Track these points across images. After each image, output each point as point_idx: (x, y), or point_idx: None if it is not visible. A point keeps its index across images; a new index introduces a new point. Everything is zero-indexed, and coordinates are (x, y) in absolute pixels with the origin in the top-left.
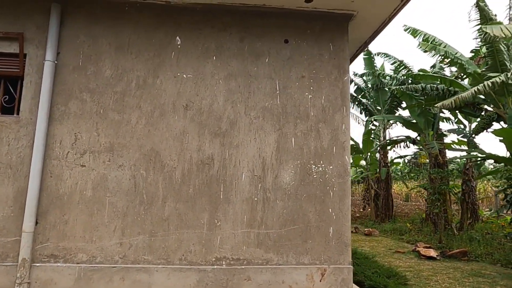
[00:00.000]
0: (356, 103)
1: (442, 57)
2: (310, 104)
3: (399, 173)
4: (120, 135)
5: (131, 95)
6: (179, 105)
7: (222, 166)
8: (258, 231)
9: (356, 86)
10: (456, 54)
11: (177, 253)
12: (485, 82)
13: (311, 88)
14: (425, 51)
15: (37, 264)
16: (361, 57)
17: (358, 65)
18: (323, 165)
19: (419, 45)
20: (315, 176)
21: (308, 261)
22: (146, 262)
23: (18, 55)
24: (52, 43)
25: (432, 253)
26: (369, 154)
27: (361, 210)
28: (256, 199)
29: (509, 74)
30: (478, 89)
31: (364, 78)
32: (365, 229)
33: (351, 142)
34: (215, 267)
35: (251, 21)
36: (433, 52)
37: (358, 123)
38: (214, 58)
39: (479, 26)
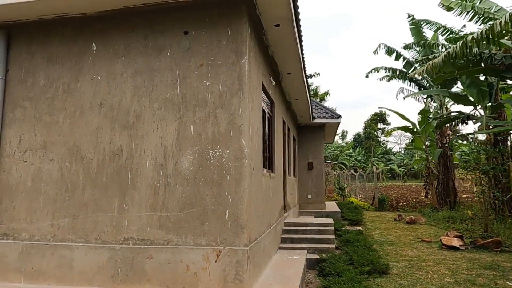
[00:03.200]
0: (407, 79)
1: (472, 13)
2: (208, 91)
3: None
4: (51, 134)
5: (58, 99)
6: (95, 104)
7: (129, 156)
8: (160, 214)
9: (405, 61)
10: (492, 8)
11: (93, 233)
12: None
13: (209, 75)
14: (449, 9)
15: None
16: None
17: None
18: (220, 150)
19: (440, 3)
20: (212, 160)
21: (205, 243)
22: (70, 241)
23: None
24: (1, 63)
25: (455, 242)
26: (428, 135)
27: (423, 197)
28: (158, 184)
29: None
30: None
31: (418, 49)
32: (408, 217)
33: (408, 124)
34: (123, 246)
35: (155, 18)
36: (459, 9)
37: (418, 101)
38: (123, 58)
39: None
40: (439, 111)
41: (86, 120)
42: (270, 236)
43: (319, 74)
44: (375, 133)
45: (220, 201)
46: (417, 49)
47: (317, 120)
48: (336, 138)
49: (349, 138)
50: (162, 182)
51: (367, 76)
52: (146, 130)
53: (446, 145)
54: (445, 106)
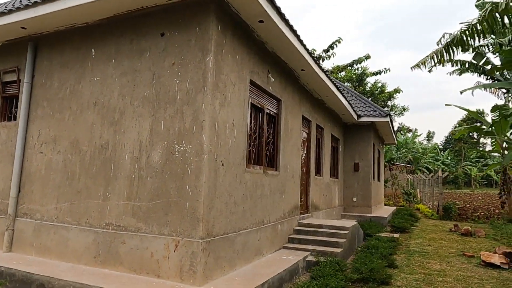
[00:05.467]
0: (478, 72)
1: None
2: (177, 88)
3: None
4: (59, 129)
5: (66, 99)
6: (91, 103)
7: (113, 149)
8: (134, 203)
9: (474, 52)
10: None
11: (84, 217)
12: None
13: (179, 73)
14: None
15: (18, 218)
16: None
17: None
18: (184, 145)
19: None
20: (177, 155)
21: (167, 232)
22: (67, 222)
23: (16, 81)
24: (29, 70)
25: (495, 259)
26: (505, 136)
27: (499, 207)
28: (133, 176)
29: None
30: None
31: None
32: (464, 228)
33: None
34: (104, 230)
35: (139, 23)
36: None
37: (498, 97)
38: (113, 61)
39: None
40: None
41: (84, 117)
42: (261, 233)
43: (389, 70)
44: (469, 134)
45: (181, 194)
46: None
47: (363, 119)
48: (421, 138)
49: (441, 139)
50: (137, 174)
51: (430, 71)
52: (127, 126)
53: None
54: None
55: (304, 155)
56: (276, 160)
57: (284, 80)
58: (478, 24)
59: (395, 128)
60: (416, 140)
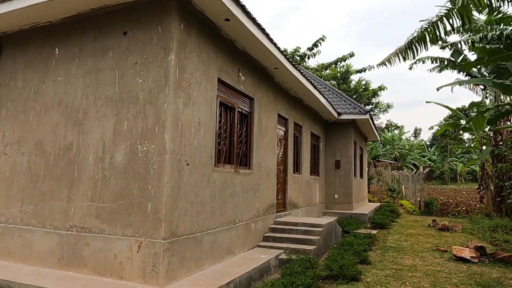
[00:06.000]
0: (457, 69)
1: None
2: (140, 88)
3: None
4: (24, 131)
5: (30, 99)
6: (55, 103)
7: (77, 150)
8: (97, 204)
9: (452, 49)
10: None
11: (48, 219)
12: None
13: (142, 72)
14: None
15: None
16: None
17: None
18: (147, 145)
19: None
20: (140, 155)
21: (130, 233)
22: (32, 225)
23: None
24: None
25: (466, 253)
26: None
27: (478, 203)
28: (97, 177)
29: None
30: None
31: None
32: (441, 223)
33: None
34: (68, 232)
35: (103, 21)
36: None
37: (477, 94)
38: (77, 60)
39: None
40: (494, 105)
41: (48, 118)
42: (232, 232)
43: (373, 67)
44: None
45: (144, 194)
46: (470, 35)
47: (343, 116)
48: (408, 135)
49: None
50: (100, 175)
51: (410, 68)
52: (91, 127)
53: (501, 143)
54: (500, 98)
55: (281, 153)
56: (249, 159)
57: (257, 78)
58: (438, 22)
59: (383, 125)
60: (404, 137)
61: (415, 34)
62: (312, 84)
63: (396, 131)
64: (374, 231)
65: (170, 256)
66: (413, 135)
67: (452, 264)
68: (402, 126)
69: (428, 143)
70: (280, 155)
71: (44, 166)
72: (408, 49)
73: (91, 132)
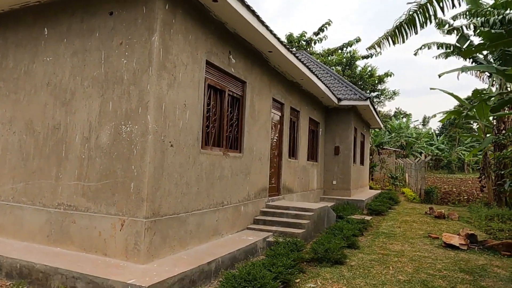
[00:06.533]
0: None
1: None
2: (125, 68)
3: None
4: (15, 110)
5: (21, 79)
6: (44, 83)
7: (65, 130)
8: (84, 183)
9: (459, 35)
10: None
11: (38, 197)
12: None
13: (127, 53)
14: None
15: None
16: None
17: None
18: (130, 125)
19: None
20: (124, 135)
21: (114, 212)
22: (22, 202)
23: None
24: None
25: (455, 241)
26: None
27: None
28: (83, 156)
29: None
30: None
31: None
32: (438, 211)
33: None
34: (56, 210)
35: (90, 1)
36: None
37: (483, 82)
38: (65, 40)
39: None
40: (498, 92)
41: (38, 97)
42: (219, 214)
43: (380, 53)
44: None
45: (127, 174)
46: (471, 19)
47: (344, 102)
48: (417, 123)
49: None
50: (86, 154)
51: (415, 54)
52: (78, 107)
53: (504, 131)
54: (505, 86)
55: (275, 138)
56: (240, 142)
57: (250, 61)
58: (428, 4)
59: (392, 113)
60: (412, 125)
61: (403, 17)
62: (309, 69)
63: (404, 119)
64: (368, 217)
65: (152, 235)
66: (422, 123)
67: (441, 250)
68: (410, 114)
69: (437, 131)
70: (275, 140)
71: (34, 145)
72: (398, 32)
73: (78, 112)
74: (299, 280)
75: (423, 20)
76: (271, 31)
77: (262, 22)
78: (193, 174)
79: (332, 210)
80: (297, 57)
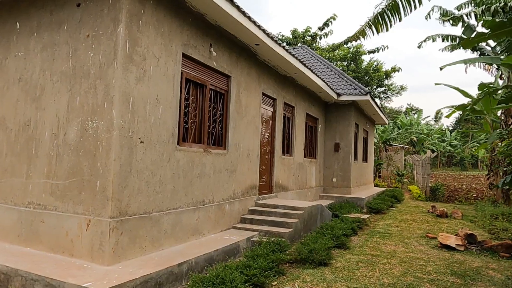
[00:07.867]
0: (470, 49)
1: None
2: (91, 62)
3: None
4: None
5: None
6: (15, 79)
7: (35, 127)
8: (52, 181)
9: (465, 25)
10: None
11: (9, 195)
12: None
13: (93, 46)
14: None
15: None
16: None
17: None
18: (97, 121)
19: None
20: (90, 132)
21: (81, 211)
22: None
23: None
24: None
25: (451, 241)
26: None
27: (487, 189)
28: (52, 154)
29: None
30: None
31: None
32: (440, 209)
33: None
34: (27, 209)
35: None
36: None
37: (492, 75)
38: (35, 34)
39: None
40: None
41: (10, 94)
42: (200, 213)
43: (387, 47)
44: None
45: (93, 172)
46: (475, 9)
47: (343, 98)
48: (429, 119)
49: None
50: (55, 151)
51: (419, 47)
52: (47, 103)
53: (511, 126)
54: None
55: (267, 134)
56: (224, 139)
57: (236, 55)
58: None
59: (404, 109)
60: (423, 121)
61: (384, 2)
62: (302, 63)
63: (415, 115)
64: (365, 216)
65: (118, 235)
66: (434, 119)
67: (435, 251)
68: (421, 110)
69: (451, 128)
70: (266, 136)
71: (6, 143)
72: (380, 19)
73: (48, 108)
74: (276, 283)
75: (407, 4)
76: (254, 22)
77: (244, 13)
78: (168, 172)
79: (328, 209)
80: (287, 50)
